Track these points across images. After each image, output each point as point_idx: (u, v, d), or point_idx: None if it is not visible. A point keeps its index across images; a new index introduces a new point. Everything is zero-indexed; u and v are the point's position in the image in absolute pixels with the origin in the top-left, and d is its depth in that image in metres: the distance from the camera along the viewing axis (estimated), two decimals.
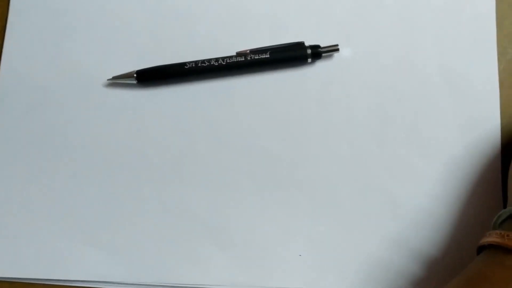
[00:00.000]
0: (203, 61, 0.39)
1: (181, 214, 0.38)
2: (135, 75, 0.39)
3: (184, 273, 0.37)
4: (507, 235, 0.30)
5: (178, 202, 0.38)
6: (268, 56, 0.39)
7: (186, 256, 0.38)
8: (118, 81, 0.40)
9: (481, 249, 0.32)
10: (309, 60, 0.39)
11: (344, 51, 0.40)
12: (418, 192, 0.38)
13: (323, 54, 0.39)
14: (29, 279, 0.38)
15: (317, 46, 0.39)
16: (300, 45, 0.39)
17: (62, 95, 0.40)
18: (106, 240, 0.38)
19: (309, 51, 0.39)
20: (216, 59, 0.39)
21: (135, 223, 0.38)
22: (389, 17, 0.41)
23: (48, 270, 0.38)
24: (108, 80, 0.40)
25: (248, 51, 0.39)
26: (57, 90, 0.40)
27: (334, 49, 0.39)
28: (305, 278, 0.37)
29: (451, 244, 0.37)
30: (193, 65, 0.39)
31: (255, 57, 0.39)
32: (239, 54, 0.39)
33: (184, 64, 0.39)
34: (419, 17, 0.41)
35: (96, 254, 0.38)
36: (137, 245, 0.38)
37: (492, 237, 0.31)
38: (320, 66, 0.40)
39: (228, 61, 0.39)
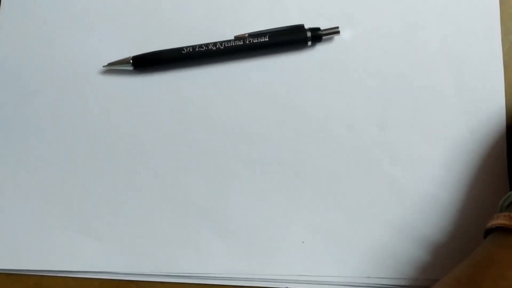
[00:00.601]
0: (200, 46, 0.38)
1: (179, 202, 0.38)
2: (131, 61, 0.39)
3: (183, 262, 0.37)
4: None
5: (176, 190, 0.38)
6: (267, 39, 0.39)
7: (185, 244, 0.37)
8: (114, 68, 0.39)
9: (488, 232, 0.32)
10: (309, 43, 0.39)
11: (344, 34, 0.40)
12: (422, 177, 0.38)
13: (324, 37, 0.39)
14: (26, 271, 0.38)
15: (317, 29, 0.39)
16: (299, 28, 0.39)
17: (56, 83, 0.40)
18: (103, 229, 0.38)
19: (309, 34, 0.39)
20: (214, 44, 0.38)
21: (132, 212, 0.38)
22: None
23: (44, 261, 0.37)
24: (103, 66, 0.39)
25: (246, 35, 0.39)
26: (51, 78, 0.40)
27: (334, 31, 0.39)
28: (308, 266, 0.37)
29: (457, 228, 0.37)
30: (190, 50, 0.38)
31: (254, 41, 0.38)
32: (237, 38, 0.39)
33: (181, 49, 0.39)
34: None
35: (92, 243, 0.37)
36: (134, 234, 0.38)
37: (499, 220, 0.31)
38: (320, 49, 0.39)
39: (226, 45, 0.38)
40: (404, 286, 0.36)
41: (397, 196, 0.37)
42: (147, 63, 0.39)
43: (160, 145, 0.39)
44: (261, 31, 0.39)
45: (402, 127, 0.38)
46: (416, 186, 0.37)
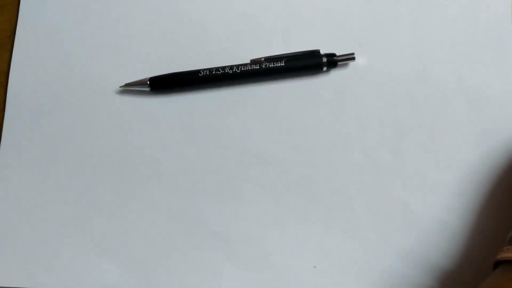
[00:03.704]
0: (217, 69, 0.39)
1: (193, 224, 0.38)
2: (148, 82, 0.39)
3: (195, 285, 0.37)
4: None
5: (190, 211, 0.38)
6: (283, 64, 0.39)
7: (197, 267, 0.37)
8: (130, 88, 0.39)
9: (497, 264, 0.32)
10: (324, 68, 0.39)
11: (360, 60, 0.40)
12: (433, 203, 0.38)
13: (339, 63, 0.39)
14: None
15: (333, 55, 0.39)
16: (315, 53, 0.39)
17: (72, 103, 0.40)
18: (115, 249, 0.37)
19: (324, 59, 0.39)
20: (231, 67, 0.39)
21: (145, 233, 0.38)
22: (405, 26, 0.40)
23: (54, 280, 0.37)
24: (120, 87, 0.39)
25: (262, 59, 0.39)
26: (67, 97, 0.40)
27: (350, 57, 0.39)
28: None
29: (467, 257, 0.37)
30: (207, 73, 0.38)
31: (270, 65, 0.39)
32: (253, 61, 0.39)
33: (198, 71, 0.39)
34: (435, 25, 0.40)
35: (104, 263, 0.37)
36: (147, 255, 0.37)
37: (509, 253, 0.31)
38: (335, 74, 0.40)
39: (242, 69, 0.38)
40: None
41: (408, 223, 0.37)
42: (164, 84, 0.39)
43: (174, 167, 0.39)
44: (277, 55, 0.39)
45: (415, 153, 0.38)
46: (427, 213, 0.37)
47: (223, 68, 0.38)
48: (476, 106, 0.39)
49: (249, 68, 0.38)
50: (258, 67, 0.38)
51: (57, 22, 0.41)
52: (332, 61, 0.39)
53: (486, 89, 0.39)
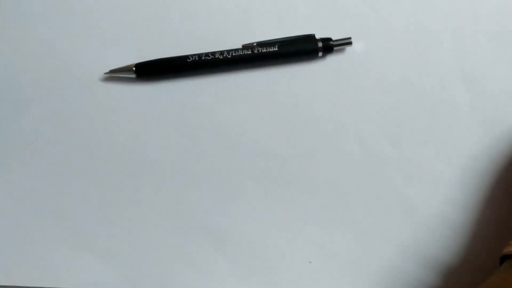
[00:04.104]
0: (206, 54, 0.38)
1: (182, 217, 0.37)
2: (134, 68, 0.38)
3: (185, 281, 0.36)
4: None
5: (179, 205, 0.37)
6: (276, 49, 0.38)
7: (187, 262, 0.37)
8: (116, 75, 0.38)
9: (504, 258, 0.31)
10: (320, 54, 0.38)
11: (357, 45, 0.38)
12: (435, 196, 0.37)
13: (335, 48, 0.38)
14: (22, 287, 0.37)
15: (329, 39, 0.38)
16: (310, 38, 0.38)
17: (55, 91, 0.39)
18: (101, 245, 0.37)
19: (320, 44, 0.38)
20: (221, 52, 0.38)
21: (132, 227, 0.37)
22: (405, 9, 0.39)
23: (39, 277, 0.36)
24: (105, 74, 0.38)
25: (255, 44, 0.38)
26: (50, 85, 0.39)
27: (346, 42, 0.38)
28: (315, 287, 0.36)
29: (470, 252, 0.36)
30: (196, 58, 0.37)
31: (263, 50, 0.38)
32: (245, 46, 0.38)
33: (186, 57, 0.38)
34: (438, 9, 0.39)
35: (90, 259, 0.37)
36: (135, 251, 0.37)
37: None
38: (332, 60, 0.39)
39: (233, 54, 0.38)
40: None
41: (409, 216, 0.37)
42: (151, 71, 0.38)
43: (163, 158, 0.38)
44: (270, 40, 0.38)
45: (416, 143, 0.38)
46: (429, 206, 0.37)
47: (213, 53, 0.38)
48: (479, 94, 0.38)
49: (241, 53, 0.37)
50: (250, 52, 0.37)
51: (39, 8, 0.40)
52: (328, 46, 0.38)
53: (490, 77, 0.38)
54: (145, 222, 0.37)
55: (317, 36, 0.38)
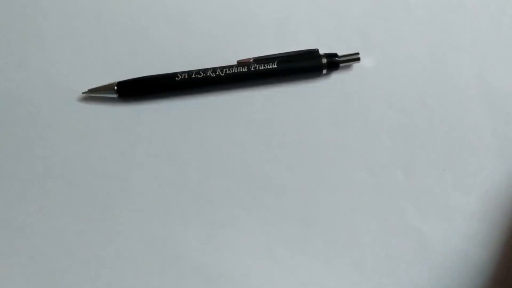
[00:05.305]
0: (197, 72, 0.36)
1: (168, 254, 0.35)
2: (115, 87, 0.36)
3: None
4: None
5: (165, 240, 0.35)
6: (276, 66, 0.36)
7: None
8: (95, 95, 0.36)
9: None
10: (324, 71, 0.37)
11: (365, 61, 0.37)
12: (452, 231, 0.36)
13: (341, 64, 0.37)
14: None
15: (334, 55, 0.37)
16: (313, 54, 0.37)
17: (29, 111, 0.36)
18: (77, 283, 0.35)
19: (324, 60, 0.36)
20: (213, 69, 0.36)
21: (113, 266, 0.35)
22: (417, 21, 0.38)
23: None
24: (83, 93, 0.36)
25: (251, 60, 0.36)
26: (23, 104, 0.36)
27: (354, 58, 0.37)
28: None
29: None
30: (186, 76, 0.36)
31: (260, 68, 0.36)
32: (240, 63, 0.36)
33: (175, 74, 0.36)
34: (453, 20, 0.37)
35: None
36: None
37: None
38: (337, 78, 0.37)
39: (227, 71, 0.36)
40: None
41: (423, 253, 0.36)
42: (135, 90, 0.36)
43: (147, 187, 0.36)
44: (269, 55, 0.36)
45: (431, 171, 0.36)
46: (445, 242, 0.36)
47: (205, 71, 0.36)
48: (501, 115, 0.37)
49: (235, 70, 0.36)
50: (246, 69, 0.36)
51: (11, 18, 0.37)
52: (333, 62, 0.36)
53: (511, 94, 0.37)
54: (128, 260, 0.35)
55: (321, 52, 0.37)
